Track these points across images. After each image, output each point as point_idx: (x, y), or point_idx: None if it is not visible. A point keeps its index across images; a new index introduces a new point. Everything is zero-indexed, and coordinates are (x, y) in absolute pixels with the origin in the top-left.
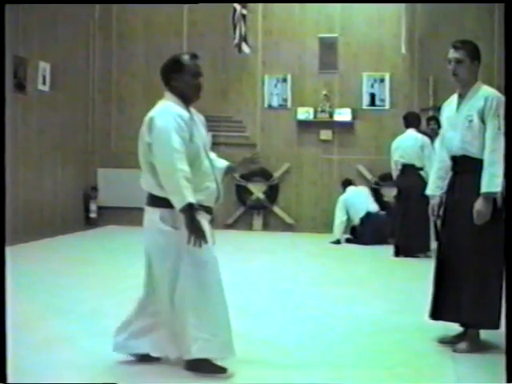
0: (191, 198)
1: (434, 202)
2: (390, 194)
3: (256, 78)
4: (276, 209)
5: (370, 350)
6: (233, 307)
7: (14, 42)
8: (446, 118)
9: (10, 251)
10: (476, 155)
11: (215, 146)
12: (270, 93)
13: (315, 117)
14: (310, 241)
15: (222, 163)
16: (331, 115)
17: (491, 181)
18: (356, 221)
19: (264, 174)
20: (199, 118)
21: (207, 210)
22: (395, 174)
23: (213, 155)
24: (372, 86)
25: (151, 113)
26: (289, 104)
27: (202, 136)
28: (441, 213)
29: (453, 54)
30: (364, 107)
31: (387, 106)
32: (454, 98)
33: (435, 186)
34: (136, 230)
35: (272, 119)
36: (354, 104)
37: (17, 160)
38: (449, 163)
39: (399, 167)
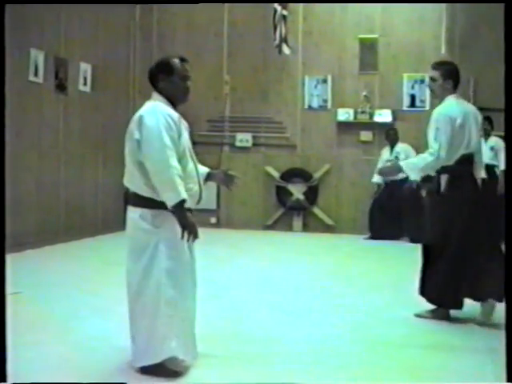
0: (185, 195)
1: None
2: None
3: (296, 78)
4: (316, 210)
5: (407, 347)
6: (269, 307)
7: (56, 44)
8: None
9: (51, 250)
10: None
11: (255, 146)
12: (310, 94)
13: (355, 118)
14: (350, 242)
15: (204, 169)
16: (371, 116)
17: (408, 161)
18: None
19: (304, 175)
20: (183, 123)
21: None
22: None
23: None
24: (412, 87)
25: (140, 111)
26: (329, 105)
27: (187, 139)
28: None
29: (430, 73)
30: (404, 108)
31: (427, 107)
32: None
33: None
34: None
35: (312, 120)
36: (394, 105)
37: (58, 160)
38: None
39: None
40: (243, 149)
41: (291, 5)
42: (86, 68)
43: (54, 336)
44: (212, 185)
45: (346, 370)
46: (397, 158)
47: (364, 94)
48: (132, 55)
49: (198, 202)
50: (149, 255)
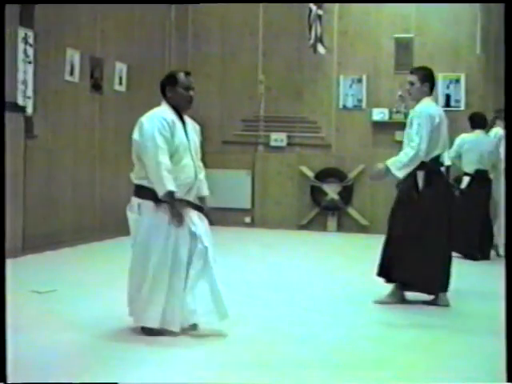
0: (171, 187)
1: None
2: None
3: (331, 78)
4: (350, 210)
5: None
6: (303, 307)
7: (91, 43)
8: None
9: (86, 248)
10: None
11: (290, 146)
12: (344, 93)
13: (390, 118)
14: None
15: (204, 191)
16: (406, 116)
17: (393, 160)
18: None
19: (339, 175)
20: (193, 126)
21: (182, 202)
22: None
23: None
24: (447, 87)
25: (142, 117)
26: (364, 105)
27: (189, 139)
28: None
29: (408, 77)
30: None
31: (462, 107)
32: None
33: None
34: (210, 228)
35: (347, 120)
36: None
37: (94, 159)
38: None
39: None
40: (278, 148)
41: (327, 4)
42: (121, 67)
43: (88, 334)
44: (247, 185)
45: (381, 371)
46: None
47: (399, 93)
48: (167, 55)
49: (194, 193)
50: (141, 237)
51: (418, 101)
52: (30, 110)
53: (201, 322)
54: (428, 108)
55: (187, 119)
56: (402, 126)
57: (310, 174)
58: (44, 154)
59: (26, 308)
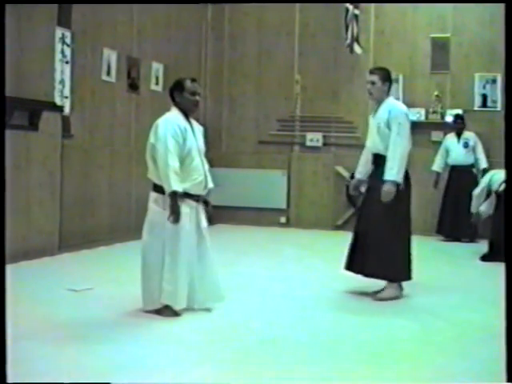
0: (176, 187)
1: (353, 181)
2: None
3: (367, 78)
4: None
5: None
6: (335, 306)
7: (128, 43)
8: (369, 124)
9: (122, 247)
10: (382, 153)
11: (326, 146)
12: None
13: (426, 118)
14: (420, 243)
15: (210, 184)
16: (443, 116)
17: (389, 171)
18: None
19: None
20: (198, 128)
21: (194, 197)
22: None
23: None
24: (484, 87)
25: (158, 120)
26: None
27: (197, 140)
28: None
29: (368, 77)
30: (476, 108)
31: (499, 108)
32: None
33: (358, 172)
34: (245, 228)
35: None
36: (466, 105)
37: (130, 158)
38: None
39: None
40: (313, 148)
41: (363, 4)
42: (157, 67)
43: (124, 333)
44: (282, 185)
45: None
46: (466, 144)
47: (435, 93)
48: (203, 55)
49: (205, 188)
50: (158, 229)
51: (380, 100)
52: (67, 110)
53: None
54: (402, 107)
55: (192, 121)
56: (438, 126)
57: (346, 174)
58: (81, 154)
59: (62, 306)
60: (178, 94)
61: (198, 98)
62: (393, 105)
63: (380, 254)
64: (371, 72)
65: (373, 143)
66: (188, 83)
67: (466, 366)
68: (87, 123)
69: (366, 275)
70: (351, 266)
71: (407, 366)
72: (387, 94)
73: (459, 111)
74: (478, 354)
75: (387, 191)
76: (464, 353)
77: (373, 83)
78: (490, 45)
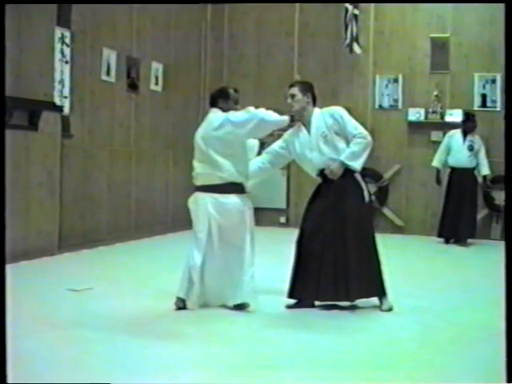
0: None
1: None
2: (501, 197)
3: (367, 78)
4: (385, 210)
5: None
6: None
7: (128, 43)
8: (300, 144)
9: (122, 247)
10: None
11: None
12: (380, 93)
13: (426, 118)
14: (420, 243)
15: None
16: (442, 116)
17: (349, 155)
18: None
19: (374, 175)
20: None
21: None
22: None
23: None
24: (483, 87)
25: (214, 116)
26: (399, 105)
27: None
28: None
29: (289, 91)
30: (475, 108)
31: (499, 108)
32: (300, 129)
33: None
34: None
35: (382, 120)
36: (466, 105)
37: (129, 158)
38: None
39: None
40: None
41: (363, 4)
42: (157, 67)
43: (124, 333)
44: (282, 185)
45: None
46: (471, 147)
47: (435, 93)
48: (203, 55)
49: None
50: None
51: (304, 110)
52: (66, 110)
53: None
54: (333, 107)
55: None
56: (437, 126)
57: None
58: (80, 154)
59: (62, 306)
60: (223, 101)
61: (239, 107)
62: (326, 110)
63: (363, 276)
64: (290, 86)
65: (321, 157)
66: (233, 93)
67: (466, 366)
68: (87, 123)
69: (353, 300)
70: (320, 295)
71: (407, 366)
72: (313, 105)
73: (459, 111)
74: (478, 354)
75: (337, 169)
76: (464, 353)
77: (292, 96)
78: (490, 45)
